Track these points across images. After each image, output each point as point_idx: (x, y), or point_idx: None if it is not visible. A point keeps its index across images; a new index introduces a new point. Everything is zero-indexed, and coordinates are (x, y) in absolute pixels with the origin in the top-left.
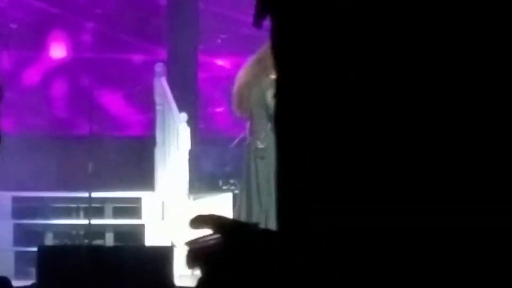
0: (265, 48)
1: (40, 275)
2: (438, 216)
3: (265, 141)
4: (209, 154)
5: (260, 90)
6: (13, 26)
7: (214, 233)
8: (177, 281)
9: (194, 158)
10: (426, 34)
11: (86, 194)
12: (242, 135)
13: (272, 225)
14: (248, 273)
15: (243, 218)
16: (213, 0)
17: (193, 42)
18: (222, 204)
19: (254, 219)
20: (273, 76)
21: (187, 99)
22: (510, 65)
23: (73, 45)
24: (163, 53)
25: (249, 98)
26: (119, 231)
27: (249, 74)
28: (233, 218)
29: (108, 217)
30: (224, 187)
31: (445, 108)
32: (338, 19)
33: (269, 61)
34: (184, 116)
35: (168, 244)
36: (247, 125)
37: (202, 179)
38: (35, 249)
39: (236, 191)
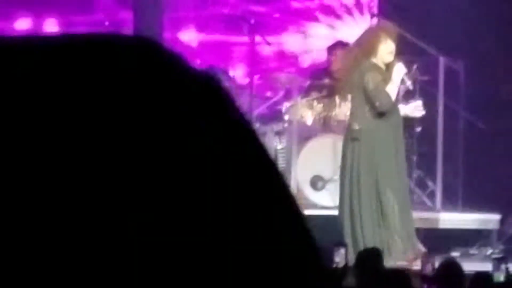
0: (365, 33)
1: None
2: None
3: (362, 123)
4: None
5: (359, 73)
6: None
7: None
8: None
9: None
10: None
11: None
12: None
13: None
14: None
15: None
16: None
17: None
18: None
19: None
20: (374, 60)
21: None
22: None
23: None
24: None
25: (350, 81)
26: None
27: (350, 58)
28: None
29: None
30: None
31: None
32: None
33: (369, 46)
34: None
35: None
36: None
37: None
38: None
39: None
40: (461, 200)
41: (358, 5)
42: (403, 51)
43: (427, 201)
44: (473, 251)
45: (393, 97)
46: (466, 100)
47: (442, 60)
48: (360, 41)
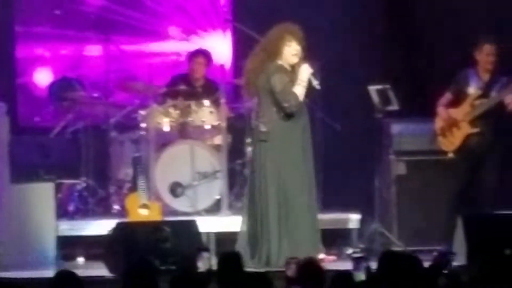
0: (269, 35)
1: None
2: None
3: (268, 124)
4: (30, 144)
5: (266, 76)
6: None
7: None
8: None
9: (15, 147)
10: None
11: None
12: (62, 124)
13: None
14: None
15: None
16: None
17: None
18: (42, 193)
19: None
20: (279, 62)
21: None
22: None
23: None
24: None
25: (256, 83)
26: None
27: (255, 61)
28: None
29: None
30: (46, 177)
31: None
32: None
33: (274, 47)
34: (2, 106)
35: None
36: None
37: (22, 168)
38: None
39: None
40: (321, 200)
41: (214, 9)
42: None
43: None
44: (333, 250)
45: (301, 98)
46: (323, 101)
47: None
48: (264, 43)
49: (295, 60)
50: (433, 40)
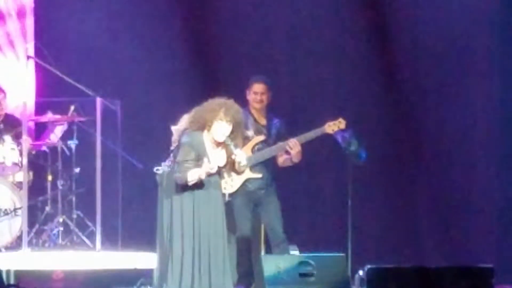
0: (205, 105)
1: None
2: None
3: (164, 170)
4: None
5: (182, 137)
6: None
7: None
8: None
9: None
10: None
11: None
12: None
13: None
14: None
15: None
16: None
17: None
18: None
19: None
20: (205, 134)
21: None
22: None
23: None
24: None
25: (176, 139)
26: None
27: (185, 119)
28: None
29: None
30: None
31: None
32: None
33: (203, 119)
34: None
35: None
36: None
37: None
38: None
39: None
40: (121, 239)
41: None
42: (60, 93)
43: (87, 241)
44: None
45: (189, 182)
46: (123, 140)
47: (99, 100)
48: (199, 110)
49: (221, 138)
50: None
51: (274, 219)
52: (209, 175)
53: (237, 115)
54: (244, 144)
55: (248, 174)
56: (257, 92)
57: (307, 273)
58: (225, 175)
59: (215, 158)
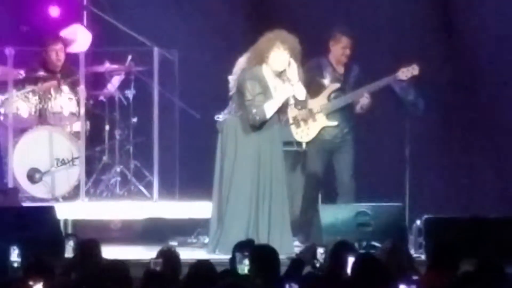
0: (261, 38)
1: None
2: None
3: (225, 117)
4: None
5: (242, 77)
6: None
7: None
8: None
9: None
10: None
11: None
12: None
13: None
14: None
15: None
16: None
17: None
18: None
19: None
20: (264, 66)
21: None
22: None
23: None
24: None
25: (236, 80)
26: None
27: (243, 58)
28: None
29: None
30: None
31: None
32: None
33: (261, 51)
34: None
35: None
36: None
37: None
38: None
39: None
40: (178, 189)
41: None
42: (117, 42)
43: (144, 191)
44: (191, 239)
45: (268, 115)
46: (180, 90)
47: (156, 50)
48: (255, 45)
49: (280, 68)
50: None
51: (344, 170)
52: (273, 121)
53: (294, 44)
54: (319, 92)
55: (324, 122)
56: (346, 47)
57: (364, 223)
58: (301, 123)
59: (279, 91)
